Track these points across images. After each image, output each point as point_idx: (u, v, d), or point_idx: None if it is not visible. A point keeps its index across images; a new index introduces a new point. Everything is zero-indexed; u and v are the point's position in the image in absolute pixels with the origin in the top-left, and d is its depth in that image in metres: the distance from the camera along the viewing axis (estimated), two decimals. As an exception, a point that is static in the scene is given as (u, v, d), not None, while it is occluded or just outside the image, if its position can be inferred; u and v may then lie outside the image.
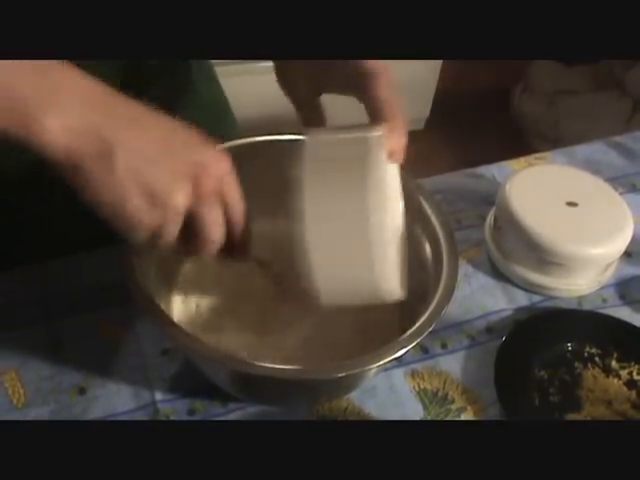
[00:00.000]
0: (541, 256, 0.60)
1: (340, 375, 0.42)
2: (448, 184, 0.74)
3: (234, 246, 0.44)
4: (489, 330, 0.59)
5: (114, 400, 0.52)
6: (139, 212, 0.38)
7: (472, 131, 2.00)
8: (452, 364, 0.57)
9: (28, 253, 0.58)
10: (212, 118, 0.69)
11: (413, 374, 0.56)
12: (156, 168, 0.38)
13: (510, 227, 0.62)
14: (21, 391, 0.52)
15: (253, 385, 0.49)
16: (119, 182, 0.37)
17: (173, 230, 0.40)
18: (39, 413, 0.50)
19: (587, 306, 0.62)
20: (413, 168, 0.73)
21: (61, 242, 0.58)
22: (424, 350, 0.57)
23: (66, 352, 0.54)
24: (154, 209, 0.38)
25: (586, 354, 0.57)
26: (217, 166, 0.41)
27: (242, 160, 0.54)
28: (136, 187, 0.38)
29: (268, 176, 0.54)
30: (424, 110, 1.96)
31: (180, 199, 0.39)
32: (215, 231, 0.41)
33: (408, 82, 1.88)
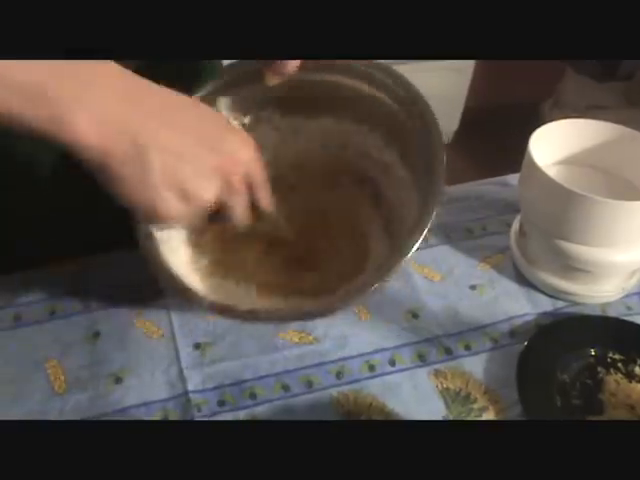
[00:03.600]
0: (566, 262, 0.61)
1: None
2: (473, 192, 0.75)
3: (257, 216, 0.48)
4: (512, 334, 0.60)
5: (148, 389, 0.54)
6: (171, 210, 0.40)
7: (500, 145, 2.00)
8: (475, 365, 0.58)
9: (65, 249, 0.61)
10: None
11: (436, 374, 0.57)
12: (188, 165, 0.39)
13: (536, 234, 0.63)
14: (62, 378, 0.54)
15: None
16: (153, 184, 0.38)
17: (200, 218, 0.43)
18: (78, 399, 0.53)
19: (611, 313, 0.63)
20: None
21: (100, 238, 0.61)
22: (448, 351, 0.59)
23: (104, 343, 0.57)
24: (186, 205, 0.40)
25: (609, 359, 0.58)
26: (245, 153, 0.43)
27: None
28: (169, 187, 0.39)
29: None
30: (452, 123, 1.97)
31: (211, 195, 0.41)
32: (244, 216, 0.45)
33: (437, 95, 1.89)
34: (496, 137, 1.95)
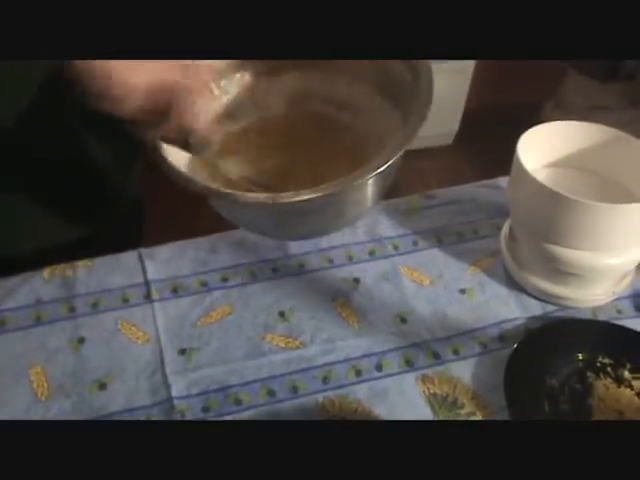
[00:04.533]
0: (557, 266, 0.61)
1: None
2: (465, 194, 0.75)
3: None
4: (501, 338, 0.60)
5: (133, 395, 0.54)
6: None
7: (502, 146, 1.99)
8: (463, 370, 0.57)
9: (53, 254, 0.61)
10: None
11: (424, 379, 0.56)
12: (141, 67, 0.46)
13: (525, 237, 0.62)
14: (45, 385, 0.54)
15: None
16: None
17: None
18: (62, 406, 0.53)
19: (602, 317, 0.62)
20: (441, 182, 0.74)
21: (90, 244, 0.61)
22: (436, 356, 0.58)
23: (89, 349, 0.57)
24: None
25: (598, 364, 0.57)
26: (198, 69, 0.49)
27: None
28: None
29: None
30: (453, 124, 1.96)
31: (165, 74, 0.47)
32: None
33: (437, 96, 1.88)
34: (497, 138, 1.93)
